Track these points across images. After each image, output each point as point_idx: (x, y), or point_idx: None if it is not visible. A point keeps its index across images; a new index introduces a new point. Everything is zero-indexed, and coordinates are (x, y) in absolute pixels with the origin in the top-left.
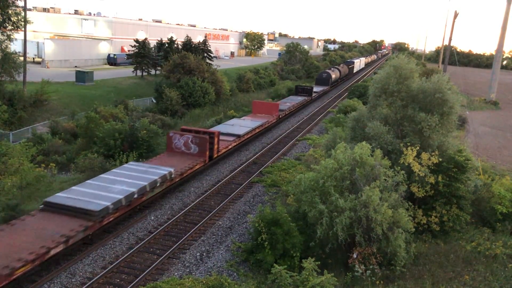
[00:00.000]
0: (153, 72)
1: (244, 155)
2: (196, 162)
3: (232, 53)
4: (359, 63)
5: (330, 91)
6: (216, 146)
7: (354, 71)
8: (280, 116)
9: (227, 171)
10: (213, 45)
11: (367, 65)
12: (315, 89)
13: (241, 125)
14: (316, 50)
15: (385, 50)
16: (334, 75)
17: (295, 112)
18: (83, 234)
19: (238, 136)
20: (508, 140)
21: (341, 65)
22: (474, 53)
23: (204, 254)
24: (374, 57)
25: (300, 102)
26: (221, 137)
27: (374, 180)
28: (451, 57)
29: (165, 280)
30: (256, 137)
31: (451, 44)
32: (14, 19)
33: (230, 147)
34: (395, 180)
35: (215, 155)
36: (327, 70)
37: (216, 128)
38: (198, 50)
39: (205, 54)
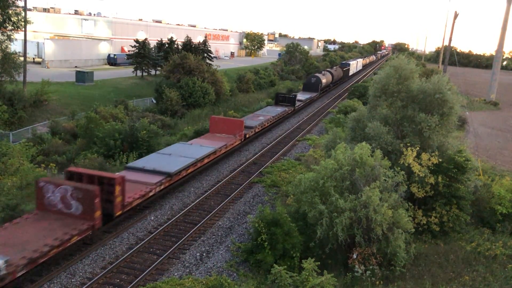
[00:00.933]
0: (153, 72)
1: (244, 155)
2: (75, 231)
3: (232, 54)
4: (356, 65)
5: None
6: (119, 199)
7: (350, 74)
8: (248, 136)
9: (227, 171)
10: (213, 46)
11: (365, 66)
12: (301, 96)
13: (182, 155)
14: (316, 50)
15: (384, 51)
16: (325, 79)
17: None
18: None
19: (168, 175)
20: (508, 140)
21: (334, 68)
22: (474, 53)
23: (204, 254)
24: (372, 58)
25: (278, 114)
26: (140, 178)
27: (374, 181)
28: (451, 57)
29: (165, 280)
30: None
31: (451, 45)
32: (14, 19)
33: (150, 194)
34: (395, 181)
35: (118, 212)
36: (317, 74)
37: (148, 159)
38: (198, 51)
39: (205, 55)
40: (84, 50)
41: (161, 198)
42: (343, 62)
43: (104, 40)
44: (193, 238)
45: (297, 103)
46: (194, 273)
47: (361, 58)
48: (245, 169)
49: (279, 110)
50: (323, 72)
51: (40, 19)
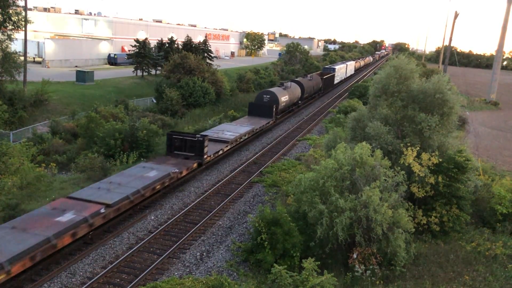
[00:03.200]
0: (153, 72)
1: (244, 155)
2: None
3: (232, 53)
4: (345, 69)
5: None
6: None
7: (336, 82)
8: None
9: (227, 171)
10: (213, 45)
11: (360, 70)
12: (230, 131)
13: None
14: (317, 50)
15: (383, 51)
16: (287, 96)
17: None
18: None
19: None
20: (508, 140)
21: (309, 76)
22: (474, 53)
23: (204, 254)
24: (369, 59)
25: (136, 193)
26: None
27: (374, 180)
28: (451, 57)
29: (165, 280)
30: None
31: (451, 45)
32: (14, 18)
33: None
34: (395, 181)
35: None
36: (272, 89)
37: None
38: (199, 50)
39: (206, 54)
40: (85, 50)
41: (161, 197)
42: (327, 66)
43: (105, 39)
44: (193, 238)
45: (215, 150)
46: (194, 273)
47: (353, 60)
48: (245, 168)
49: (151, 176)
50: (285, 84)
51: (41, 18)
